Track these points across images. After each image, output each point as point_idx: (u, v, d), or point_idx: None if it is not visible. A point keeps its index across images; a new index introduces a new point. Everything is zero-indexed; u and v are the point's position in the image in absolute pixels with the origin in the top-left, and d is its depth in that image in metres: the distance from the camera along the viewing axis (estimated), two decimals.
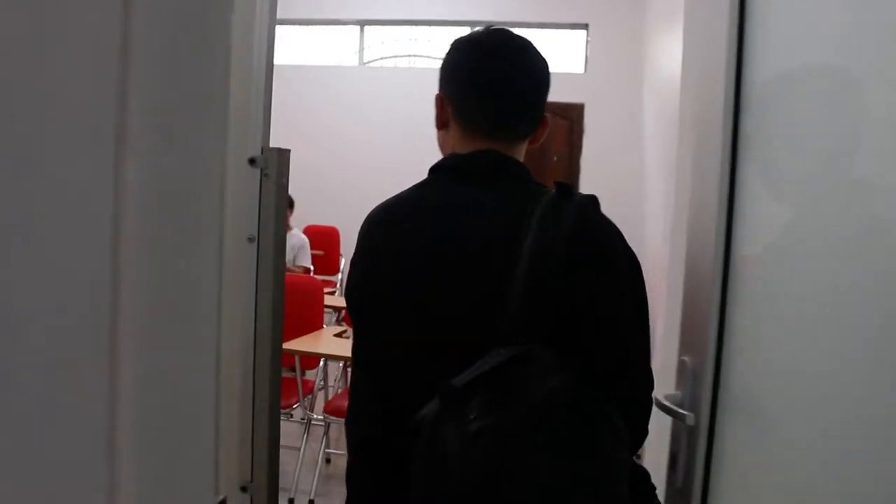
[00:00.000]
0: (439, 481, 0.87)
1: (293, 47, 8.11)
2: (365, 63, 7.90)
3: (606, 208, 1.08)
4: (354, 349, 1.19)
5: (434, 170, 1.20)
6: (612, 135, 7.08)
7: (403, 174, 6.69)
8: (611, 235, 1.05)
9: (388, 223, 1.17)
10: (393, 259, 1.12)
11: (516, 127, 1.17)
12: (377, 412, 1.12)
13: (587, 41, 7.37)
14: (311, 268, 5.68)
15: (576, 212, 0.97)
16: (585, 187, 7.21)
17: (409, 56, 7.82)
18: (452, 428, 0.86)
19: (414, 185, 1.20)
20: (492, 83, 1.14)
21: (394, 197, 1.22)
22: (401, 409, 0.96)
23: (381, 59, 7.88)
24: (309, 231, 6.64)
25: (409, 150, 7.80)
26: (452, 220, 1.09)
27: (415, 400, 0.93)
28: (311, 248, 5.90)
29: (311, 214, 6.83)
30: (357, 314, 1.18)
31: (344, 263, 6.73)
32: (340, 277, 6.68)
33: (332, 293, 6.34)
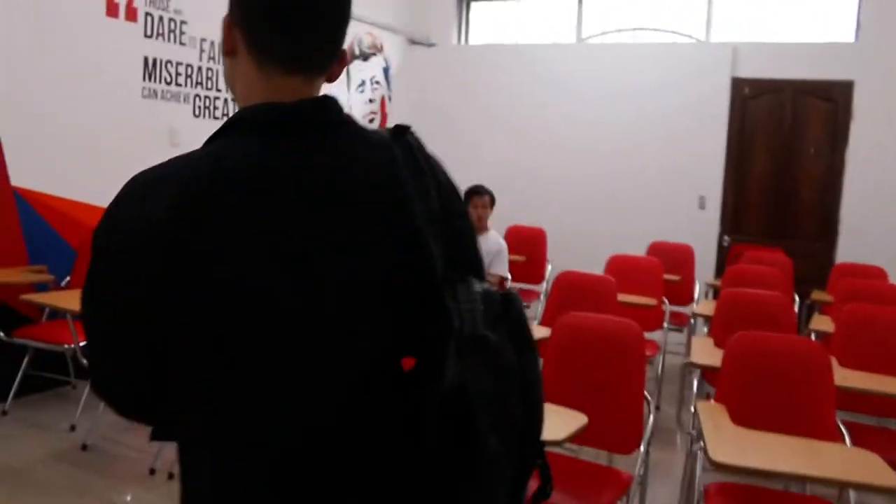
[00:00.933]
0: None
1: (500, 24, 7.59)
2: (583, 39, 7.21)
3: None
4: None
5: (252, 123, 1.00)
6: (891, 121, 5.84)
7: (628, 171, 5.96)
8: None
9: (232, 208, 0.90)
10: (270, 257, 0.90)
11: (318, 59, 1.06)
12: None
13: (859, 3, 6.11)
14: (509, 276, 5.15)
15: (425, 152, 1.10)
16: (853, 186, 6.06)
17: (634, 30, 7.01)
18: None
19: (221, 145, 0.99)
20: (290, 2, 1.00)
21: (191, 163, 0.98)
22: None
23: (603, 34, 7.14)
24: (511, 232, 6.11)
25: (635, 144, 7.18)
26: (330, 189, 0.97)
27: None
28: (512, 251, 5.37)
29: (516, 212, 6.29)
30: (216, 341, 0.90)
31: (550, 271, 6.14)
32: (546, 287, 6.10)
33: (527, 306, 5.78)
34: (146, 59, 4.71)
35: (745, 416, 2.41)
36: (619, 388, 2.64)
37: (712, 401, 2.75)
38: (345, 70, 6.47)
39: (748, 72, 6.28)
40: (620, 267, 4.69)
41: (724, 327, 3.38)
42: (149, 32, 4.71)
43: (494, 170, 7.19)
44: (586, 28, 7.21)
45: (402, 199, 0.98)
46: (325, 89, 1.09)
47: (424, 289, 0.93)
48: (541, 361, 1.06)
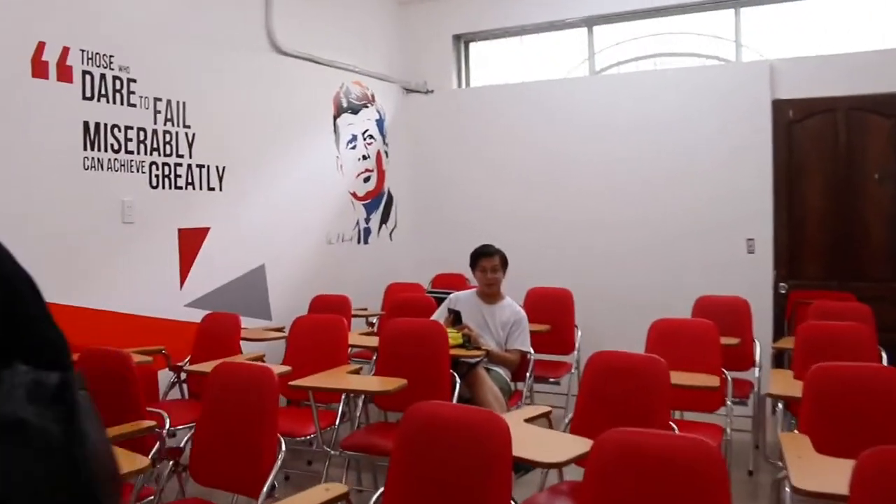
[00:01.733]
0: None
1: (502, 65, 6.99)
2: (597, 72, 6.57)
3: None
4: None
5: None
6: None
7: (661, 215, 5.10)
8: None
9: None
10: None
11: None
12: None
13: None
14: (531, 352, 4.42)
15: None
16: None
17: (653, 57, 6.37)
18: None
19: None
20: None
21: None
22: None
23: (618, 64, 6.51)
24: (532, 297, 5.38)
25: (667, 185, 6.14)
26: None
27: None
28: (533, 320, 4.64)
29: (535, 273, 5.58)
30: None
31: (580, 337, 5.38)
32: (577, 356, 5.34)
33: (558, 383, 5.02)
34: (86, 125, 4.09)
35: (828, 445, 2.45)
36: None
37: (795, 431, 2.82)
38: (331, 125, 5.89)
39: (790, 92, 5.57)
40: (666, 334, 3.93)
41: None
42: (88, 94, 4.10)
43: (506, 225, 6.51)
44: (599, 60, 6.58)
45: None
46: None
47: None
48: None
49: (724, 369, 3.77)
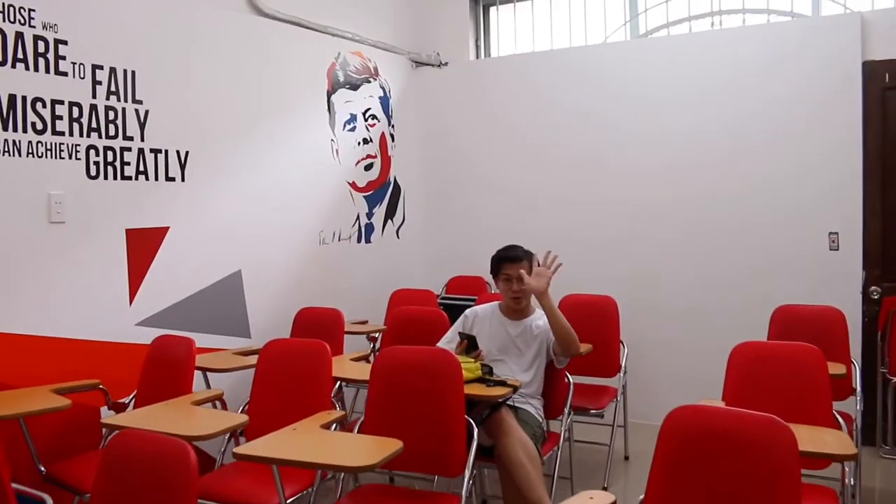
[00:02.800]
0: None
1: (527, 31, 6.04)
2: (642, 35, 5.62)
3: None
4: None
5: None
6: None
7: (721, 203, 3.94)
8: None
9: None
10: None
11: None
12: None
13: None
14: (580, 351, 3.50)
15: None
16: None
17: (710, 15, 5.41)
18: None
19: None
20: None
21: None
22: None
23: (667, 25, 5.55)
24: (566, 307, 4.45)
25: (728, 169, 5.01)
26: None
27: None
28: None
29: (572, 278, 4.66)
30: None
31: (626, 357, 4.46)
32: (622, 380, 4.42)
33: (601, 415, 4.11)
34: None
35: None
36: None
37: None
38: (325, 102, 4.95)
39: (885, 51, 4.59)
40: (755, 363, 2.99)
41: None
42: (0, 58, 3.26)
43: (536, 219, 5.60)
44: (644, 22, 5.63)
45: None
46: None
47: None
48: None
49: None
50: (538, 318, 3.59)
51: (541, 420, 3.47)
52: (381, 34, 5.75)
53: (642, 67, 5.32)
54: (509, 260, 3.52)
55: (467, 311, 3.73)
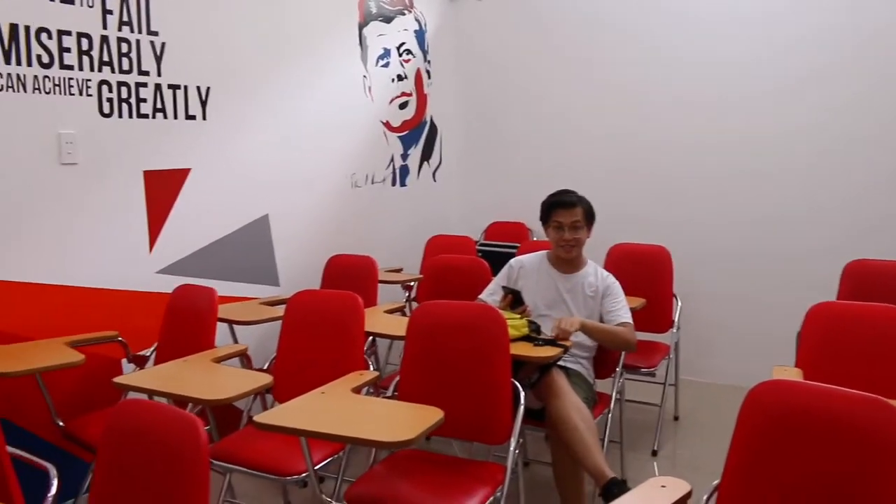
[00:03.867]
0: None
1: None
2: None
3: None
4: None
5: None
6: None
7: (797, 140, 3.44)
8: None
9: None
10: None
11: None
12: None
13: None
14: (631, 321, 3.20)
15: None
16: None
17: None
18: None
19: None
20: None
21: None
22: None
23: None
24: (614, 257, 4.15)
25: (797, 95, 4.50)
26: None
27: None
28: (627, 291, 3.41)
29: (619, 225, 4.33)
30: None
31: (679, 311, 4.15)
32: (676, 336, 4.12)
33: (653, 373, 3.82)
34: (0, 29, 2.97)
35: None
36: None
37: None
38: (356, 35, 4.14)
39: None
40: (833, 325, 2.67)
41: None
42: None
43: (581, 161, 5.27)
44: None
45: None
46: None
47: None
48: None
49: None
50: (590, 274, 3.28)
51: (592, 382, 3.20)
52: None
53: None
54: (562, 205, 3.20)
55: (512, 261, 3.43)
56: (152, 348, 3.27)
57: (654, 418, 4.03)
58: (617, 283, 3.28)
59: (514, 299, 3.12)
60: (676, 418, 4.31)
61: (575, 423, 2.75)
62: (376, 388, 3.08)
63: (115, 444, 1.86)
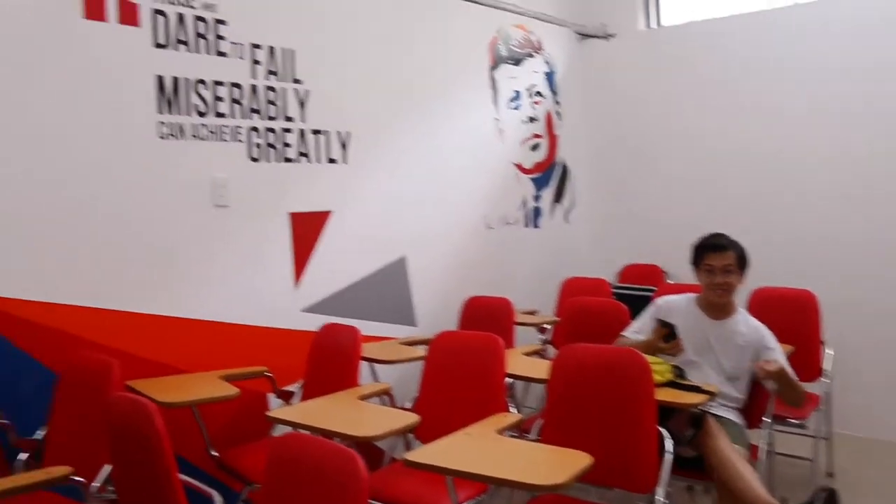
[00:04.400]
0: None
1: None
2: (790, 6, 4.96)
3: None
4: None
5: None
6: None
7: None
8: None
9: None
10: None
11: None
12: None
13: None
14: (790, 368, 3.03)
15: None
16: None
17: None
18: None
19: None
20: None
21: None
22: None
23: None
24: (758, 302, 3.96)
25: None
26: None
27: None
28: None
29: (762, 270, 4.15)
30: None
31: (830, 360, 3.90)
32: (828, 386, 3.87)
33: (802, 425, 3.59)
34: (160, 81, 3.16)
35: None
36: None
37: None
38: (488, 79, 4.18)
39: None
40: None
41: None
42: (161, 40, 3.17)
43: (717, 203, 5.10)
44: None
45: None
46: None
47: None
48: None
49: None
50: (741, 322, 3.14)
51: (745, 430, 3.04)
52: (543, 5, 5.39)
53: (868, 28, 4.62)
54: (714, 249, 3.09)
55: (659, 301, 3.32)
56: (297, 384, 3.35)
57: (805, 473, 3.78)
58: (771, 334, 3.12)
59: (668, 333, 3.02)
60: (831, 475, 4.03)
61: (734, 458, 2.64)
62: (518, 430, 3.04)
63: (277, 474, 1.90)
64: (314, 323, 3.50)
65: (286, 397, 3.35)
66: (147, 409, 2.06)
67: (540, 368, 2.98)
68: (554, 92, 5.50)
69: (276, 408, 3.29)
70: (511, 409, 2.94)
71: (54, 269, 2.87)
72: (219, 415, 3.19)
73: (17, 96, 2.78)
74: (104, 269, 2.99)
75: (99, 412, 2.40)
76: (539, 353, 3.73)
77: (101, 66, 2.99)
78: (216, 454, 2.98)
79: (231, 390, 2.81)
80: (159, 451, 2.03)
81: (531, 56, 5.30)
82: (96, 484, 2.41)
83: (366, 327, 3.42)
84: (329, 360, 3.22)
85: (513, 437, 2.63)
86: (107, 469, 2.42)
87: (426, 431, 2.81)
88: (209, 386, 2.89)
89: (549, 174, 5.42)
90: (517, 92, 5.15)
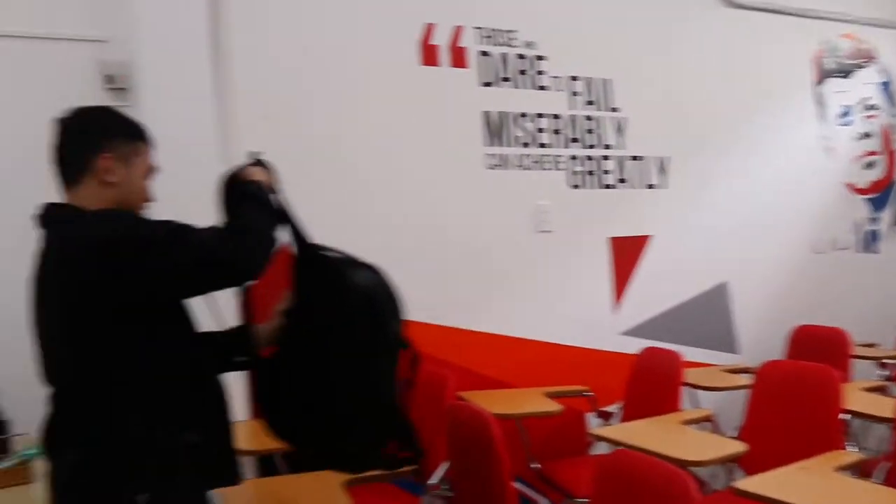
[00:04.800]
0: None
1: None
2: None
3: None
4: None
5: None
6: None
7: None
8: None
9: None
10: None
11: (60, 175, 1.64)
12: None
13: None
14: None
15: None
16: None
17: None
18: None
19: None
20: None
21: None
22: None
23: None
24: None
25: None
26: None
27: None
28: None
29: None
30: None
31: None
32: None
33: None
34: (487, 116, 3.41)
35: None
36: None
37: None
38: (812, 94, 4.38)
39: None
40: None
41: None
42: (487, 78, 3.43)
43: None
44: None
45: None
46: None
47: None
48: None
49: None
50: None
51: None
52: (874, 8, 4.92)
53: None
54: None
55: None
56: (616, 405, 3.37)
57: None
58: None
59: None
60: None
61: None
62: (858, 471, 2.79)
63: (606, 489, 1.95)
64: (633, 346, 3.52)
65: (605, 417, 3.39)
66: (486, 419, 2.22)
67: (883, 406, 2.72)
68: (893, 103, 5.00)
69: (594, 426, 3.35)
70: (849, 448, 2.71)
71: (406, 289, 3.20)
72: (539, 429, 3.32)
73: (366, 142, 3.18)
74: (443, 289, 3.27)
75: (436, 418, 2.63)
76: (880, 390, 3.39)
77: (434, 106, 3.31)
78: (537, 466, 3.10)
79: (555, 407, 2.93)
80: (497, 457, 2.18)
81: (862, 66, 4.88)
82: (433, 481, 2.65)
83: (685, 352, 3.36)
84: (650, 383, 3.22)
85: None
86: (443, 468, 2.64)
87: (752, 462, 2.68)
88: (534, 401, 3.04)
89: (887, 194, 4.91)
90: (847, 107, 4.76)
